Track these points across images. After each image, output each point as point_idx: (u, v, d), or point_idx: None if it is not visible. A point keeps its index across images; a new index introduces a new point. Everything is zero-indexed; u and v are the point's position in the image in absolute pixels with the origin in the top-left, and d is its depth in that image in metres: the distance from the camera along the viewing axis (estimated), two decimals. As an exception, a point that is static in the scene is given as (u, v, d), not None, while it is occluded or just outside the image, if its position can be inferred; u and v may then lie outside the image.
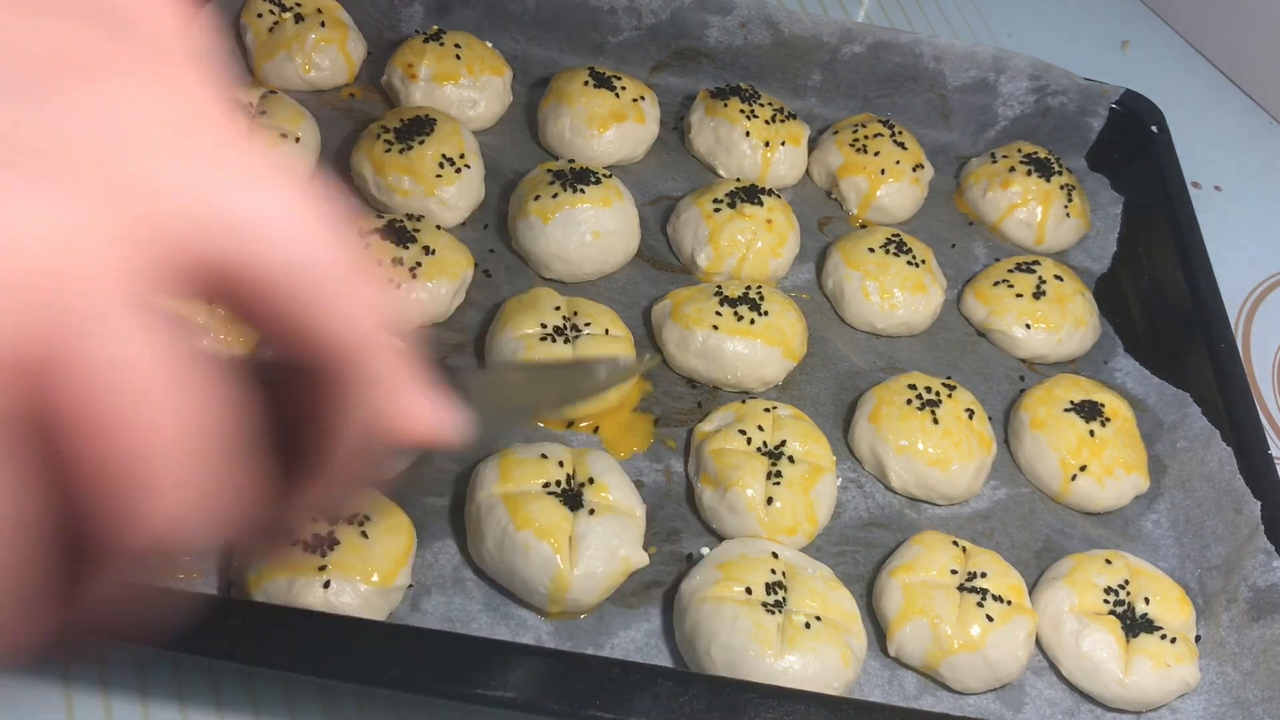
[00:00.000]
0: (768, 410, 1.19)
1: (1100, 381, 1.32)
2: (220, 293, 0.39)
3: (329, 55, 1.44)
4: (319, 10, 1.45)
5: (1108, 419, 1.26)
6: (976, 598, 1.08)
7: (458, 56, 1.43)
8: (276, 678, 1.02)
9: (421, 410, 0.46)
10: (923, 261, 1.37)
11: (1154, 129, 1.55)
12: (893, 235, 1.38)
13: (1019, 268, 1.40)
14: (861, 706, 0.96)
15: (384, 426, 0.45)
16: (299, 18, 1.44)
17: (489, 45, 1.48)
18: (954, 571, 1.11)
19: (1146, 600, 1.13)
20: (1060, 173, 1.50)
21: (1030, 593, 1.14)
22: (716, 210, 1.34)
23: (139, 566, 0.41)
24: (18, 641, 0.40)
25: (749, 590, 1.04)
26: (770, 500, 1.12)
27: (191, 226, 0.37)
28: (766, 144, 1.46)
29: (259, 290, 0.39)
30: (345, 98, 1.46)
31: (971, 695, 1.09)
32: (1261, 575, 1.13)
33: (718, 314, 1.24)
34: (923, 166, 1.49)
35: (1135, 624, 1.11)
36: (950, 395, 1.23)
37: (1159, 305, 1.42)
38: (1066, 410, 1.26)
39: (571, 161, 1.35)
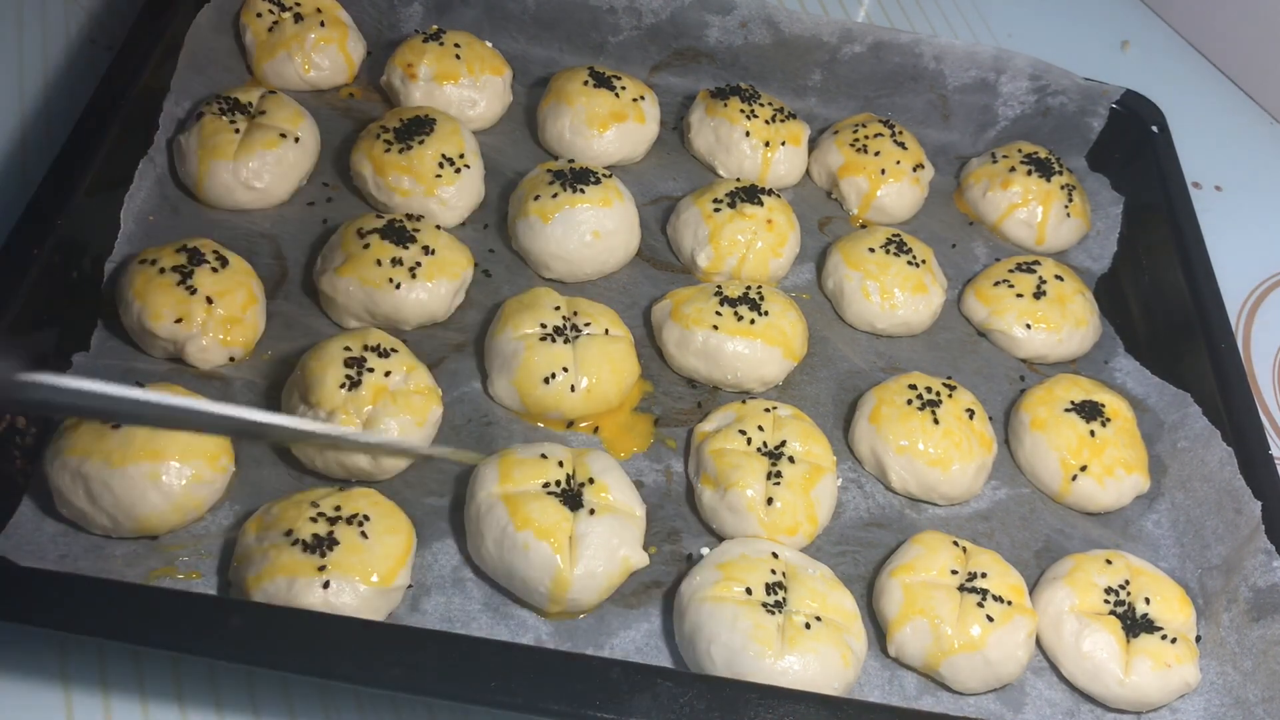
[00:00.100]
0: (768, 410, 1.19)
1: (1100, 381, 1.32)
2: None
3: (329, 55, 1.44)
4: (319, 10, 1.45)
5: (1108, 419, 1.26)
6: (977, 598, 1.08)
7: (458, 56, 1.43)
8: (276, 678, 1.02)
9: None
10: (923, 261, 1.37)
11: (1154, 129, 1.54)
12: (893, 235, 1.38)
13: (1019, 268, 1.40)
14: (861, 706, 0.96)
15: None
16: (298, 17, 1.43)
17: (489, 45, 1.48)
18: (954, 571, 1.11)
19: (1147, 600, 1.13)
20: (1060, 173, 1.50)
21: (1030, 593, 1.14)
22: (716, 210, 1.34)
23: None
24: None
25: (749, 590, 1.03)
26: (770, 500, 1.12)
27: None
28: (767, 144, 1.46)
29: None
30: (345, 97, 1.46)
31: (971, 695, 1.09)
32: (1262, 575, 1.13)
33: (718, 314, 1.24)
34: (923, 166, 1.49)
35: (1135, 624, 1.11)
36: (950, 395, 1.23)
37: (1159, 305, 1.42)
38: (1067, 410, 1.26)
39: (571, 161, 1.35)
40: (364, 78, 1.48)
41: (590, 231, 1.29)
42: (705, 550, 1.12)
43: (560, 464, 1.09)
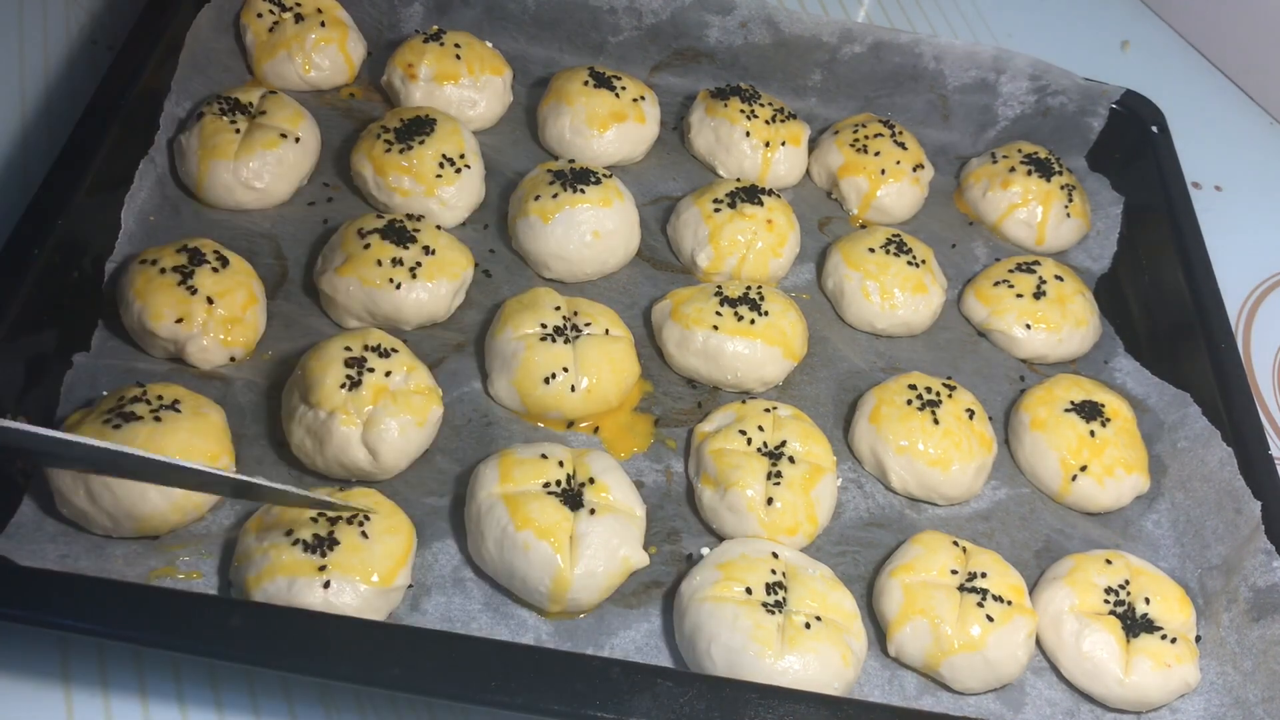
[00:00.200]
0: (768, 410, 1.19)
1: (1100, 381, 1.32)
2: None
3: (329, 55, 1.44)
4: (319, 10, 1.45)
5: (1108, 419, 1.26)
6: (977, 598, 1.08)
7: (458, 56, 1.43)
8: (276, 678, 1.02)
9: None
10: (923, 261, 1.37)
11: (1154, 129, 1.54)
12: (893, 235, 1.38)
13: (1019, 268, 1.40)
14: (861, 706, 0.96)
15: None
16: (299, 17, 1.43)
17: (489, 45, 1.48)
18: (954, 571, 1.11)
19: (1147, 600, 1.13)
20: (1060, 173, 1.50)
21: (1030, 593, 1.14)
22: (716, 210, 1.34)
23: None
24: None
25: (749, 590, 1.04)
26: (770, 500, 1.12)
27: None
28: (767, 144, 1.46)
29: None
30: (345, 97, 1.46)
31: (971, 695, 1.09)
32: (1262, 575, 1.13)
33: (718, 314, 1.24)
34: (923, 166, 1.49)
35: (1135, 624, 1.11)
36: (950, 395, 1.23)
37: (1159, 305, 1.42)
38: (1067, 410, 1.26)
39: (571, 161, 1.35)
40: (364, 78, 1.48)
41: (590, 231, 1.29)
42: (705, 550, 1.12)
43: (560, 464, 1.09)
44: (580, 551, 1.03)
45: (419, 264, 1.21)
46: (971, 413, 1.23)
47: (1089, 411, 1.26)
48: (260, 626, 0.90)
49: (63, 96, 1.43)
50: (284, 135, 1.30)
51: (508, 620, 1.05)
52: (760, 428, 1.17)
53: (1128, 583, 1.14)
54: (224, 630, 0.89)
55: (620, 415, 1.22)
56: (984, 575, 1.10)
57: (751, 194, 1.36)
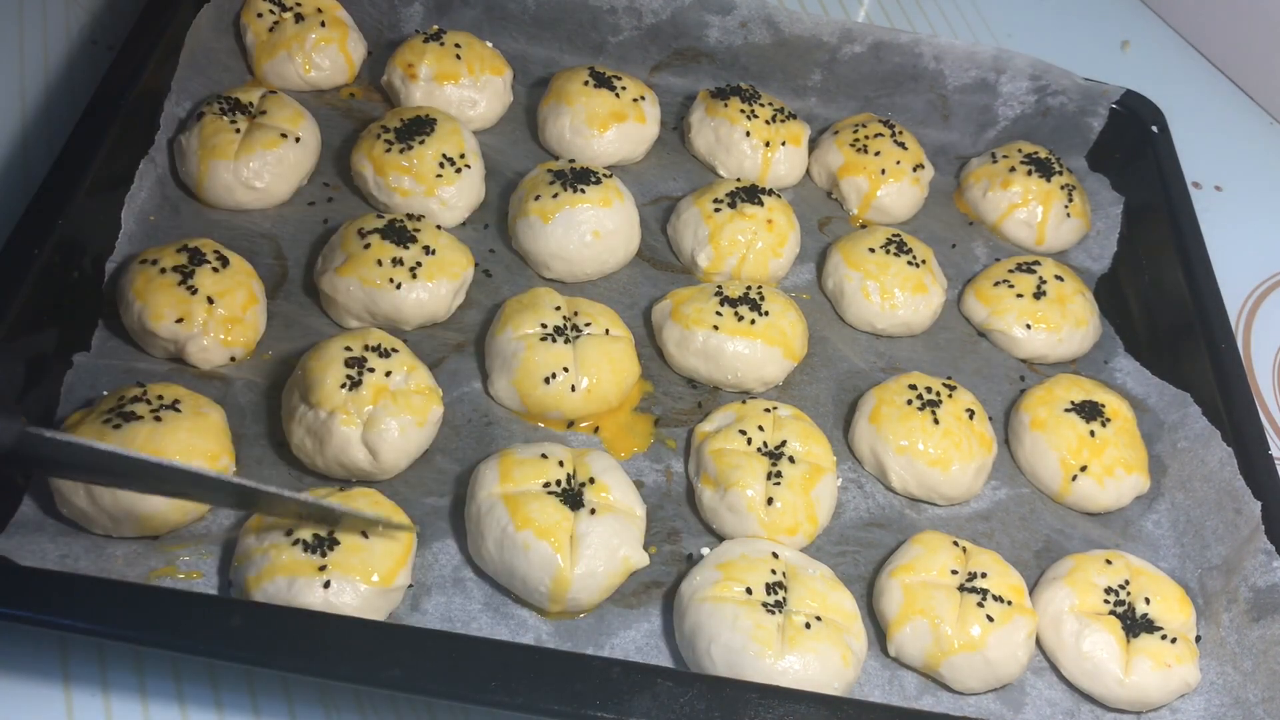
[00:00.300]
0: (768, 410, 1.19)
1: (1100, 381, 1.32)
2: None
3: (329, 55, 1.44)
4: (319, 10, 1.45)
5: (1108, 419, 1.26)
6: (977, 598, 1.08)
7: (458, 56, 1.43)
8: (276, 678, 1.02)
9: None
10: (923, 261, 1.37)
11: (1154, 129, 1.54)
12: (893, 235, 1.38)
13: (1019, 268, 1.40)
14: (861, 706, 0.96)
15: None
16: (299, 17, 1.43)
17: (489, 45, 1.48)
18: (954, 572, 1.11)
19: (1147, 600, 1.13)
20: (1060, 173, 1.50)
21: (1030, 593, 1.14)
22: (717, 210, 1.34)
23: None
24: None
25: (749, 590, 1.04)
26: (770, 500, 1.12)
27: None
28: (767, 144, 1.46)
29: None
30: (345, 97, 1.46)
31: (971, 695, 1.09)
32: (1262, 575, 1.13)
33: (718, 314, 1.24)
34: (923, 166, 1.49)
35: (1135, 624, 1.11)
36: (950, 395, 1.23)
37: (1159, 305, 1.42)
38: (1067, 410, 1.26)
39: (572, 161, 1.35)
40: (364, 78, 1.48)
41: (590, 231, 1.29)
42: (705, 550, 1.12)
43: (560, 464, 1.09)
44: (580, 551, 1.03)
45: (419, 264, 1.21)
46: (971, 413, 1.23)
47: (1089, 411, 1.26)
48: (260, 626, 0.90)
49: (63, 96, 1.43)
50: (284, 135, 1.30)
51: (508, 620, 1.05)
52: (760, 428, 1.17)
53: (1128, 583, 1.14)
54: (224, 630, 0.89)
55: (620, 415, 1.22)
56: (984, 575, 1.10)
57: (751, 194, 1.36)
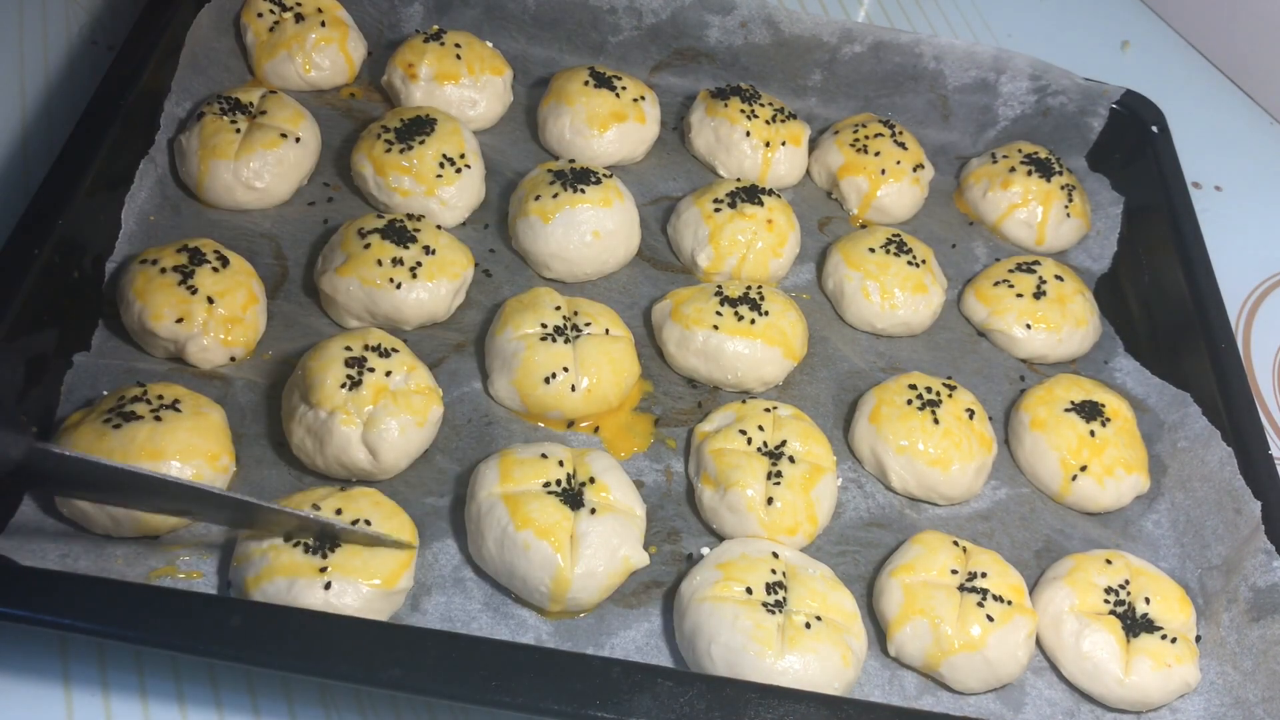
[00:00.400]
0: (768, 410, 1.19)
1: (1100, 381, 1.32)
2: None
3: (329, 55, 1.44)
4: (319, 10, 1.45)
5: (1108, 419, 1.26)
6: (977, 598, 1.08)
7: (458, 56, 1.43)
8: (276, 678, 1.02)
9: None
10: (923, 261, 1.37)
11: (1154, 129, 1.54)
12: (893, 235, 1.38)
13: (1019, 268, 1.40)
14: (861, 706, 0.96)
15: None
16: (299, 17, 1.43)
17: (489, 45, 1.48)
18: (954, 571, 1.11)
19: (1147, 600, 1.13)
20: (1061, 173, 1.50)
21: (1030, 593, 1.14)
22: (717, 210, 1.34)
23: None
24: None
25: (749, 590, 1.04)
26: (770, 500, 1.12)
27: None
28: (767, 144, 1.46)
29: None
30: (345, 97, 1.46)
31: (971, 695, 1.09)
32: (1261, 575, 1.13)
33: (718, 314, 1.24)
34: (923, 166, 1.49)
35: (1135, 624, 1.11)
36: (950, 395, 1.23)
37: (1159, 305, 1.42)
38: (1067, 410, 1.26)
39: (572, 161, 1.35)
40: (365, 78, 1.48)
41: (590, 231, 1.29)
42: (705, 550, 1.12)
43: (560, 464, 1.09)
44: (580, 551, 1.03)
45: (419, 264, 1.21)
46: (971, 413, 1.23)
47: (1089, 411, 1.26)
48: (260, 626, 0.90)
49: (62, 96, 1.43)
50: (284, 135, 1.30)
51: (508, 620, 1.05)
52: (760, 427, 1.17)
53: (1128, 583, 1.14)
54: (224, 630, 0.89)
55: (620, 415, 1.22)
56: (984, 575, 1.10)
57: (751, 194, 1.36)
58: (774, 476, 1.13)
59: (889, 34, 1.53)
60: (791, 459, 1.15)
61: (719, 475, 1.13)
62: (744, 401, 1.21)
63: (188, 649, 0.90)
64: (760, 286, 1.29)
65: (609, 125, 1.42)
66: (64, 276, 1.13)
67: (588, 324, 1.21)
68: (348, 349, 1.11)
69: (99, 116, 1.21)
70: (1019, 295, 1.37)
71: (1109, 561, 1.15)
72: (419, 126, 1.33)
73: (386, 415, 1.08)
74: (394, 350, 1.13)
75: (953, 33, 1.84)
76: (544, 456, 1.09)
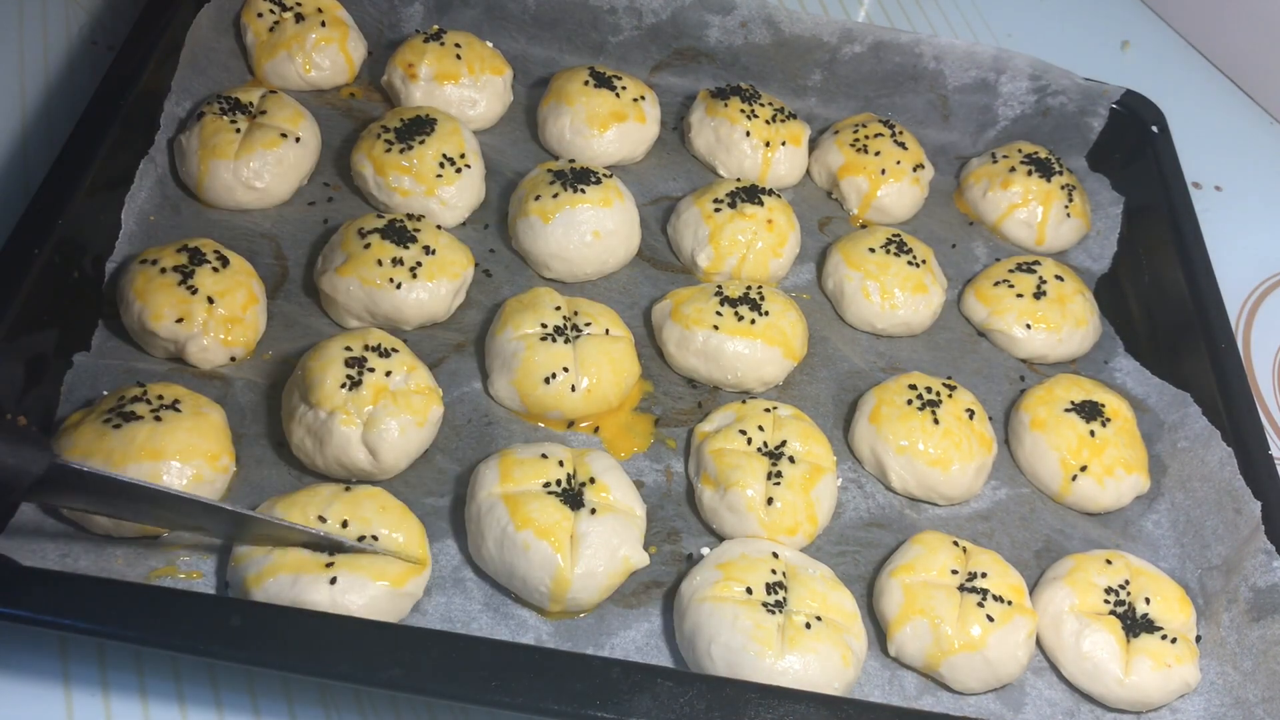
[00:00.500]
0: (768, 410, 1.19)
1: (1100, 381, 1.32)
2: None
3: (329, 55, 1.44)
4: (319, 10, 1.45)
5: (1108, 419, 1.26)
6: (977, 598, 1.08)
7: (458, 56, 1.43)
8: (276, 678, 1.02)
9: None
10: (923, 261, 1.37)
11: (1154, 129, 1.54)
12: (893, 235, 1.38)
13: (1019, 268, 1.40)
14: (861, 706, 0.96)
15: None
16: (299, 17, 1.43)
17: (489, 45, 1.48)
18: (954, 572, 1.11)
19: (1147, 600, 1.13)
20: (1061, 173, 1.50)
21: (1030, 593, 1.14)
22: (717, 210, 1.34)
23: None
24: None
25: (749, 590, 1.04)
26: (770, 500, 1.12)
27: None
28: (767, 144, 1.46)
29: None
30: (345, 97, 1.46)
31: (971, 695, 1.09)
32: (1262, 575, 1.13)
33: (718, 314, 1.24)
34: (923, 166, 1.49)
35: (1135, 624, 1.11)
36: (950, 395, 1.23)
37: (1159, 305, 1.42)
38: (1067, 410, 1.26)
39: (572, 161, 1.35)
40: (365, 77, 1.48)
41: (590, 231, 1.29)
42: (705, 550, 1.12)
43: (561, 464, 1.09)
44: (580, 551, 1.03)
45: (419, 264, 1.21)
46: (971, 413, 1.23)
47: (1089, 411, 1.26)
48: (260, 626, 0.90)
49: (62, 97, 1.43)
50: (284, 135, 1.30)
51: (508, 620, 1.05)
52: (760, 428, 1.17)
53: (1128, 583, 1.14)
54: (224, 630, 0.89)
55: (620, 415, 1.22)
56: (984, 575, 1.10)
57: (751, 194, 1.36)
58: (774, 476, 1.13)
59: (889, 34, 1.53)
60: (791, 459, 1.15)
61: (719, 475, 1.13)
62: (744, 401, 1.21)
63: (188, 649, 0.90)
64: (760, 286, 1.29)
65: (609, 125, 1.42)
66: (64, 276, 1.13)
67: (588, 324, 1.21)
68: (348, 349, 1.11)
69: (99, 116, 1.21)
70: (1019, 295, 1.37)
71: (1109, 561, 1.15)
72: (419, 126, 1.33)
73: (386, 415, 1.08)
74: (394, 350, 1.13)
75: (953, 33, 1.84)
76: (544, 456, 1.09)
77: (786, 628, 1.02)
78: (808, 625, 1.02)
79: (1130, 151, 1.56)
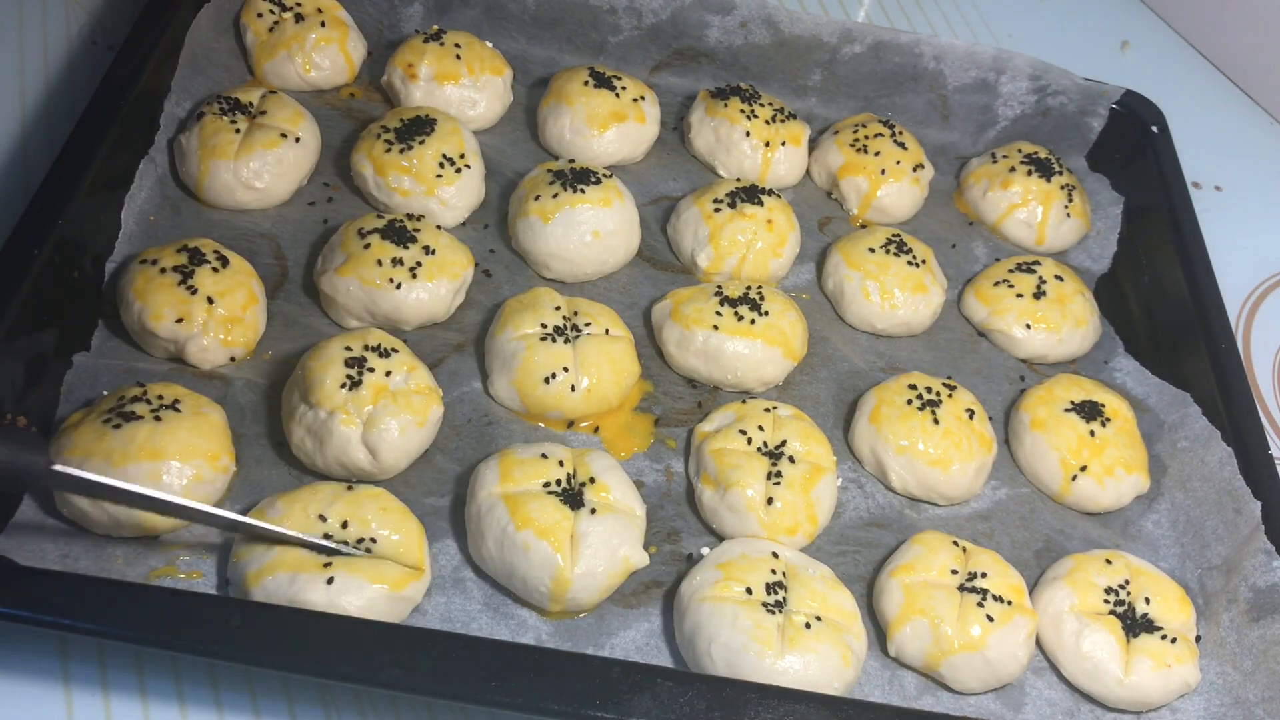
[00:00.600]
0: (768, 410, 1.19)
1: (1100, 381, 1.32)
2: None
3: (329, 55, 1.44)
4: (319, 10, 1.45)
5: (1108, 419, 1.26)
6: (977, 598, 1.08)
7: (458, 56, 1.43)
8: (276, 678, 1.02)
9: None
10: (923, 261, 1.37)
11: (1154, 129, 1.54)
12: (893, 235, 1.38)
13: (1019, 268, 1.40)
14: (861, 706, 0.96)
15: None
16: (299, 17, 1.43)
17: (489, 45, 1.48)
18: (954, 571, 1.11)
19: (1147, 600, 1.13)
20: (1060, 173, 1.50)
21: (1030, 593, 1.14)
22: (717, 210, 1.34)
23: None
24: None
25: (749, 590, 1.04)
26: (770, 500, 1.12)
27: None
28: (767, 144, 1.46)
29: None
30: (345, 97, 1.46)
31: (971, 695, 1.09)
32: (1261, 575, 1.13)
33: (718, 314, 1.24)
34: (923, 166, 1.49)
35: (1135, 624, 1.11)
36: (950, 395, 1.23)
37: (1159, 305, 1.41)
38: (1067, 410, 1.26)
39: (572, 161, 1.35)
40: (364, 78, 1.48)
41: (590, 231, 1.29)
42: (705, 550, 1.12)
43: (561, 464, 1.09)
44: (580, 551, 1.03)
45: (419, 264, 1.21)
46: (971, 413, 1.23)
47: (1089, 411, 1.26)
48: (260, 626, 0.90)
49: (62, 97, 1.43)
50: (284, 135, 1.30)
51: (508, 620, 1.05)
52: (760, 428, 1.17)
53: (1128, 583, 1.14)
54: (224, 630, 0.89)
55: (620, 415, 1.22)
56: (984, 575, 1.10)
57: (751, 194, 1.36)
58: (774, 476, 1.13)
59: (889, 34, 1.53)
60: (791, 459, 1.15)
61: (719, 475, 1.13)
62: (744, 401, 1.21)
63: (188, 649, 0.90)
64: (760, 286, 1.29)
65: (609, 125, 1.42)
66: (64, 276, 1.13)
67: (588, 324, 1.21)
68: (348, 349, 1.11)
69: (99, 116, 1.21)
70: (1019, 295, 1.37)
71: (1109, 561, 1.15)
72: (419, 126, 1.33)
73: (386, 415, 1.08)
74: (394, 350, 1.13)
75: (953, 33, 1.84)
76: (544, 456, 1.09)
77: (786, 628, 1.02)
78: (808, 625, 1.02)
79: (1130, 151, 1.56)
